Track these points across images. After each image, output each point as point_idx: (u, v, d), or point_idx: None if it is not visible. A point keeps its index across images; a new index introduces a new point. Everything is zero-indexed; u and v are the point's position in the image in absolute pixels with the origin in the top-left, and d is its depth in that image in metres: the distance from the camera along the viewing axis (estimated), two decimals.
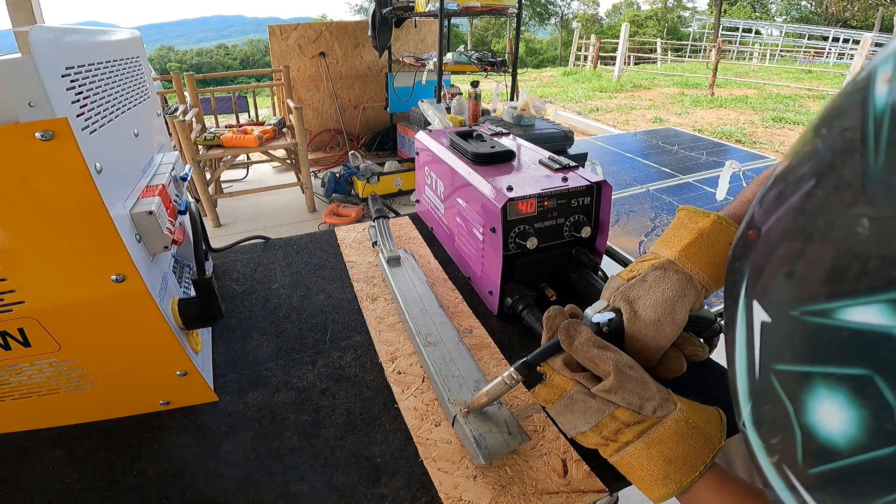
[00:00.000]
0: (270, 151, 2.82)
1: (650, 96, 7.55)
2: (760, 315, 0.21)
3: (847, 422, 0.17)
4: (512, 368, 0.43)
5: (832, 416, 0.17)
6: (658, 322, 0.43)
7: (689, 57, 15.68)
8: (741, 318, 0.22)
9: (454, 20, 4.06)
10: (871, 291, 0.16)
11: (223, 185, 3.25)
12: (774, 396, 0.20)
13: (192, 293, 0.49)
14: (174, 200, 0.51)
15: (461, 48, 3.71)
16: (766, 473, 0.21)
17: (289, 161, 3.07)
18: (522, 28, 3.32)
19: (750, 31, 17.66)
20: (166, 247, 0.45)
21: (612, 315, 0.45)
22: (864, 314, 0.16)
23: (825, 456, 0.18)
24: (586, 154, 2.83)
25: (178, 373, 0.47)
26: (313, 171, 3.47)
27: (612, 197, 0.64)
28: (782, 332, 0.20)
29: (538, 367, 0.43)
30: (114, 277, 0.39)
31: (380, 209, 0.82)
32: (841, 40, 13.66)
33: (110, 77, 0.46)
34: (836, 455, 0.17)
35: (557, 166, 0.67)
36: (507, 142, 0.79)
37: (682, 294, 0.43)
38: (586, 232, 0.63)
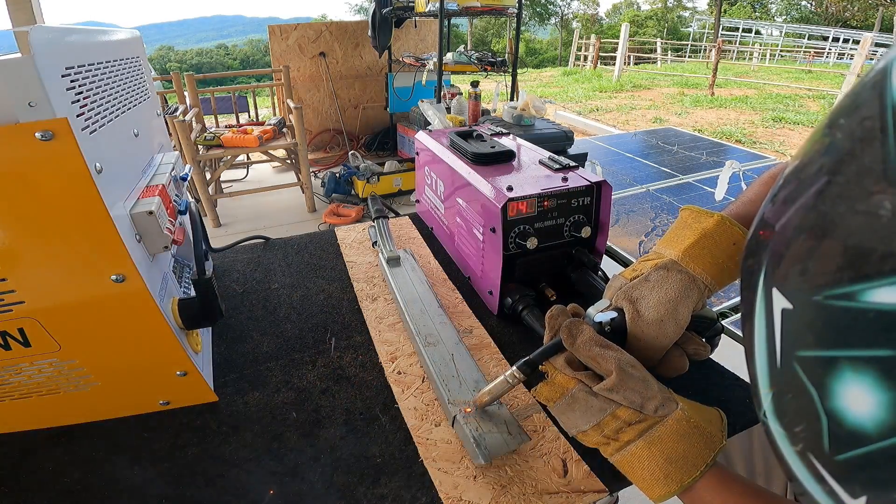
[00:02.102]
0: (270, 151, 2.82)
1: (650, 96, 7.55)
2: (781, 302, 0.21)
3: (876, 405, 0.17)
4: (514, 367, 0.43)
5: (860, 399, 0.17)
6: (660, 322, 0.43)
7: (689, 57, 15.68)
8: (760, 306, 0.22)
9: (454, 20, 4.06)
10: None
11: (223, 185, 3.25)
12: (798, 384, 0.20)
13: (192, 293, 0.49)
14: (174, 200, 0.51)
15: (461, 48, 3.71)
16: (791, 464, 0.21)
17: (289, 161, 3.07)
18: (522, 28, 3.32)
19: (750, 31, 17.66)
20: (166, 247, 0.45)
21: (614, 314, 0.45)
22: (890, 295, 0.16)
23: (853, 441, 0.18)
24: (586, 154, 2.83)
25: (178, 373, 0.47)
26: (313, 171, 3.47)
27: (612, 197, 0.64)
28: (805, 318, 0.20)
29: (540, 367, 0.43)
30: (114, 277, 0.39)
31: (380, 209, 0.82)
32: (841, 40, 13.66)
33: (110, 77, 0.46)
34: (864, 440, 0.17)
35: (557, 166, 0.67)
36: (507, 142, 0.79)
37: (684, 294, 0.42)
38: (586, 232, 0.63)
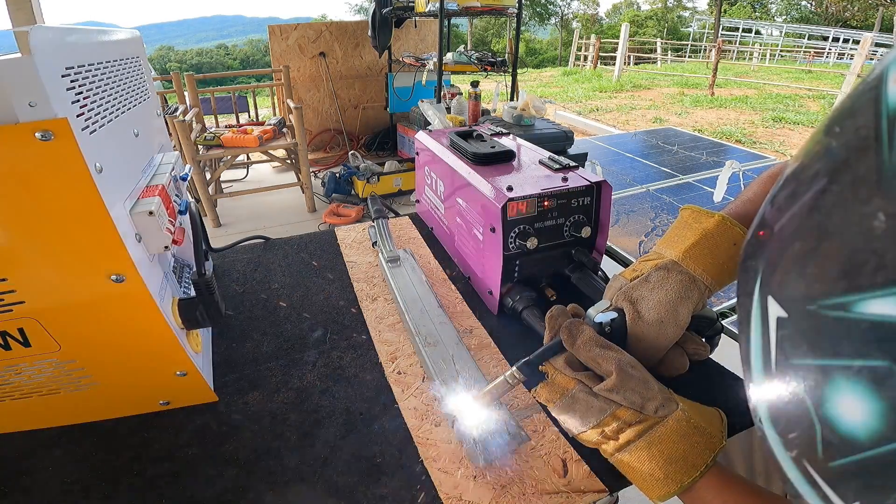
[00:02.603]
0: (270, 151, 2.82)
1: (650, 96, 7.55)
2: (776, 310, 0.21)
3: (868, 413, 0.17)
4: (514, 368, 0.43)
5: (852, 408, 0.17)
6: (661, 323, 0.43)
7: (689, 57, 15.68)
8: (756, 313, 0.22)
9: (454, 20, 4.06)
10: (890, 283, 0.16)
11: (223, 185, 3.25)
12: (792, 391, 0.20)
13: (192, 293, 0.49)
14: (174, 200, 0.51)
15: (461, 48, 3.71)
16: (785, 469, 0.21)
17: (289, 161, 3.07)
18: (522, 28, 3.32)
19: (750, 31, 17.66)
20: (166, 247, 0.45)
21: (614, 315, 0.45)
22: (883, 306, 0.16)
23: (846, 449, 0.18)
24: (586, 154, 2.83)
25: (178, 373, 0.47)
26: (313, 171, 3.47)
27: (612, 197, 0.64)
28: (799, 327, 0.20)
29: (540, 367, 0.43)
30: (113, 277, 0.39)
31: (380, 209, 0.82)
32: (841, 40, 13.66)
33: (110, 77, 0.46)
34: (857, 447, 0.17)
35: (557, 166, 0.67)
36: (507, 142, 0.79)
37: (685, 295, 0.42)
38: (586, 232, 0.63)
